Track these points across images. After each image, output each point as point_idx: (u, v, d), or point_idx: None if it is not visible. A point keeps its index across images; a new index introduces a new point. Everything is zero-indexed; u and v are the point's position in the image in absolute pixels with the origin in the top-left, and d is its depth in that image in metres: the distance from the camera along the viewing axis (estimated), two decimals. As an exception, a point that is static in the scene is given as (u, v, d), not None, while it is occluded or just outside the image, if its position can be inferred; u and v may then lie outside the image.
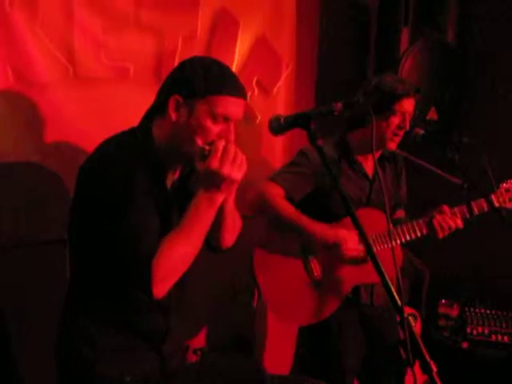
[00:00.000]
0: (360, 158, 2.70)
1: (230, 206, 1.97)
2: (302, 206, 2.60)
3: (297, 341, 2.90)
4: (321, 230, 2.52)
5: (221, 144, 1.78)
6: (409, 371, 1.96)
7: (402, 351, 1.55)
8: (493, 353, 3.63)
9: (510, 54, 3.85)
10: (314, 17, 3.85)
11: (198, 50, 3.20)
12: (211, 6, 3.26)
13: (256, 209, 2.58)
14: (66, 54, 2.72)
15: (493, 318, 3.73)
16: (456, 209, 2.67)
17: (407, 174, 2.89)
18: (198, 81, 1.81)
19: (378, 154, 2.70)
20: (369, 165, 2.72)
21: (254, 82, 3.54)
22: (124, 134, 1.91)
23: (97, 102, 2.82)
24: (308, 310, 2.60)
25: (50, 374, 1.94)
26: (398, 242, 2.64)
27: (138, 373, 1.89)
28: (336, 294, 2.60)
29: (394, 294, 1.60)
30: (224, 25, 3.32)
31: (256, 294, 2.71)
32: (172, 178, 1.97)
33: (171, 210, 1.91)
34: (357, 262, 2.55)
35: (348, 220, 1.82)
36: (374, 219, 2.55)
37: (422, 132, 2.73)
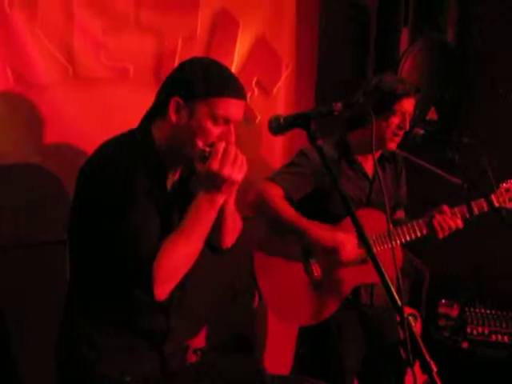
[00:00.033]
0: (360, 158, 2.70)
1: (231, 207, 1.98)
2: (302, 206, 2.60)
3: (297, 341, 2.89)
4: (319, 233, 2.52)
5: (221, 146, 1.79)
6: (409, 371, 1.96)
7: (402, 351, 1.55)
8: (493, 353, 3.63)
9: (509, 54, 3.85)
10: (313, 17, 3.85)
11: (197, 51, 3.19)
12: (211, 7, 3.26)
13: (256, 209, 2.58)
14: (66, 55, 2.72)
15: (493, 317, 3.73)
16: (456, 209, 2.67)
17: (407, 174, 2.89)
18: (198, 82, 1.81)
19: (377, 154, 2.70)
20: (369, 165, 2.72)
21: (254, 82, 3.54)
22: (124, 135, 1.91)
23: (96, 103, 2.82)
24: (308, 311, 2.60)
25: (50, 375, 1.94)
26: (398, 242, 2.64)
27: (138, 373, 1.89)
28: (336, 295, 2.60)
29: (394, 294, 1.60)
30: (224, 25, 3.31)
31: (256, 294, 2.71)
32: (172, 178, 1.97)
33: (172, 211, 1.92)
34: (357, 262, 2.55)
35: (348, 220, 1.82)
36: (373, 219, 2.54)
37: (421, 132, 2.73)
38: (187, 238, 1.79)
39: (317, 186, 2.58)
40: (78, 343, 1.88)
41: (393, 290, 1.61)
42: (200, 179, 1.84)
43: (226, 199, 1.88)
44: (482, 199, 2.69)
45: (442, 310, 3.86)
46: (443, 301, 3.88)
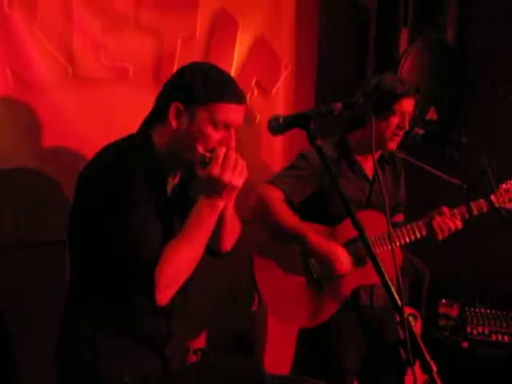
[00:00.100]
0: (360, 159, 2.69)
1: (230, 212, 1.98)
2: (302, 207, 2.61)
3: (297, 342, 2.89)
4: (318, 241, 2.51)
5: (221, 151, 1.79)
6: (409, 371, 1.96)
7: (402, 351, 1.55)
8: (493, 352, 3.63)
9: (509, 54, 3.85)
10: (313, 17, 3.85)
11: (197, 51, 3.20)
12: (210, 7, 3.26)
13: (256, 213, 2.57)
14: (66, 55, 2.72)
15: (493, 317, 3.73)
16: (455, 210, 2.67)
17: (406, 175, 2.88)
18: (198, 88, 1.82)
19: (377, 155, 2.70)
20: (369, 166, 2.71)
21: (254, 82, 3.54)
22: (123, 140, 1.91)
23: (96, 103, 2.82)
24: (308, 313, 2.60)
25: (50, 375, 1.94)
26: (398, 243, 2.63)
27: (138, 373, 1.89)
28: (335, 297, 2.60)
29: (395, 294, 1.60)
30: (223, 25, 3.32)
31: (256, 297, 2.71)
32: (172, 183, 1.97)
33: (172, 215, 1.91)
34: (356, 265, 2.55)
35: (348, 222, 1.81)
36: (373, 221, 2.54)
37: (421, 132, 2.72)
38: (188, 243, 1.80)
39: (317, 188, 2.58)
40: (78, 344, 1.87)
41: (393, 290, 1.61)
42: (200, 184, 1.84)
43: (226, 204, 1.88)
44: (482, 200, 2.69)
45: (442, 309, 3.86)
46: (443, 301, 3.87)
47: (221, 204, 1.83)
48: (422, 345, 1.54)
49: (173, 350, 2.00)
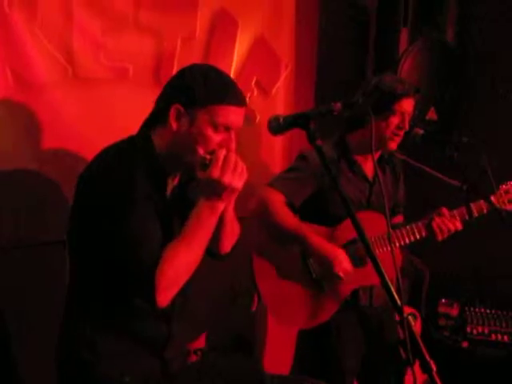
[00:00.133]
0: (359, 159, 2.69)
1: (230, 214, 1.99)
2: (302, 208, 2.61)
3: (296, 342, 2.89)
4: (320, 243, 2.52)
5: (222, 153, 1.80)
6: (409, 371, 1.96)
7: (401, 351, 1.55)
8: (493, 352, 3.63)
9: (509, 54, 3.85)
10: (313, 17, 3.85)
11: (196, 51, 3.20)
12: (210, 7, 3.26)
13: (258, 216, 2.58)
14: (65, 55, 2.72)
15: (493, 317, 3.73)
16: (455, 211, 2.67)
17: (406, 176, 2.88)
18: (198, 90, 1.82)
19: (377, 155, 2.70)
20: (368, 166, 2.71)
21: (253, 82, 3.54)
22: (123, 142, 1.92)
23: (96, 103, 2.82)
24: (307, 314, 2.60)
25: (50, 375, 1.94)
26: (397, 244, 2.63)
27: (138, 373, 1.89)
28: (335, 298, 2.60)
29: (394, 294, 1.60)
30: (223, 25, 3.31)
31: (256, 297, 2.71)
32: (172, 184, 1.97)
33: (172, 217, 1.91)
34: (356, 265, 2.55)
35: (348, 222, 1.81)
36: (373, 222, 2.53)
37: (421, 132, 2.72)
38: (188, 245, 1.79)
39: (317, 188, 2.58)
40: (78, 345, 1.88)
41: (393, 290, 1.61)
42: (200, 186, 1.84)
43: (226, 206, 1.88)
44: (481, 201, 2.69)
45: (441, 309, 3.86)
46: (443, 300, 3.88)
47: (221, 206, 1.83)
48: (421, 344, 1.54)
49: (173, 352, 2.00)
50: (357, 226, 1.70)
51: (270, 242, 2.66)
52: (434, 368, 1.52)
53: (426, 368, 1.52)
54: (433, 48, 3.85)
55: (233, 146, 1.85)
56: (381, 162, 2.75)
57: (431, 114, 3.86)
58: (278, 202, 2.54)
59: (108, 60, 2.85)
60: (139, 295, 1.80)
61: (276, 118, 1.85)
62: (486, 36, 3.93)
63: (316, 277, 2.59)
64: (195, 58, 3.13)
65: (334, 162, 2.60)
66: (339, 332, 2.63)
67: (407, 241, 2.64)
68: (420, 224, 2.65)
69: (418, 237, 2.65)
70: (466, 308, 3.80)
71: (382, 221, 2.55)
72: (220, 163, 1.78)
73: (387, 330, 2.67)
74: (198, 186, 1.87)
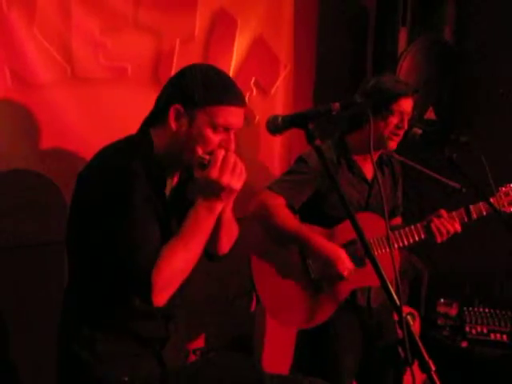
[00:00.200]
0: (359, 160, 2.68)
1: (228, 215, 1.98)
2: (301, 209, 2.61)
3: (295, 342, 2.89)
4: (322, 244, 2.52)
5: (220, 153, 1.79)
6: (407, 370, 1.96)
7: (400, 350, 1.55)
8: (492, 352, 3.63)
9: (509, 54, 3.85)
10: (311, 17, 3.85)
11: (195, 50, 3.20)
12: (209, 7, 3.26)
13: (258, 220, 2.59)
14: (64, 55, 2.72)
15: (491, 317, 3.74)
16: (454, 213, 2.66)
17: (405, 177, 2.88)
18: (198, 90, 1.81)
19: (376, 156, 2.69)
20: (368, 168, 2.71)
21: (252, 82, 3.54)
22: (122, 141, 1.91)
23: (94, 102, 2.82)
24: (306, 314, 2.60)
25: (50, 375, 1.95)
26: (396, 246, 2.63)
27: (137, 374, 1.89)
28: (334, 298, 2.60)
29: (394, 296, 1.60)
30: (222, 25, 3.32)
31: (254, 298, 2.71)
32: (170, 184, 1.97)
33: (170, 217, 1.91)
34: (355, 266, 2.56)
35: (346, 223, 1.81)
36: (372, 223, 2.53)
37: (420, 132, 2.72)
38: (186, 245, 1.79)
39: (317, 190, 2.58)
40: (77, 345, 1.87)
41: (392, 292, 1.61)
42: (199, 187, 1.84)
43: (224, 206, 1.88)
44: (481, 203, 2.68)
45: (440, 309, 3.87)
46: (442, 300, 3.88)
47: (219, 206, 1.83)
48: (420, 344, 1.54)
49: (172, 353, 2.00)
50: (356, 227, 1.69)
51: (268, 242, 2.65)
52: (433, 368, 1.52)
53: (424, 368, 1.52)
54: (432, 48, 3.85)
55: (232, 146, 1.85)
56: (380, 164, 2.75)
57: (430, 114, 3.86)
58: (278, 204, 2.54)
59: (107, 59, 2.85)
60: (136, 294, 1.80)
61: (275, 118, 1.85)
62: (484, 35, 3.93)
63: (315, 277, 2.60)
64: (194, 57, 3.13)
65: (333, 164, 2.60)
66: (338, 332, 2.63)
67: (406, 243, 2.64)
68: (419, 226, 2.64)
69: (416, 238, 2.64)
70: (465, 308, 3.80)
71: (381, 222, 2.55)
72: (219, 163, 1.78)
73: (386, 330, 2.67)
74: (197, 186, 1.86)
